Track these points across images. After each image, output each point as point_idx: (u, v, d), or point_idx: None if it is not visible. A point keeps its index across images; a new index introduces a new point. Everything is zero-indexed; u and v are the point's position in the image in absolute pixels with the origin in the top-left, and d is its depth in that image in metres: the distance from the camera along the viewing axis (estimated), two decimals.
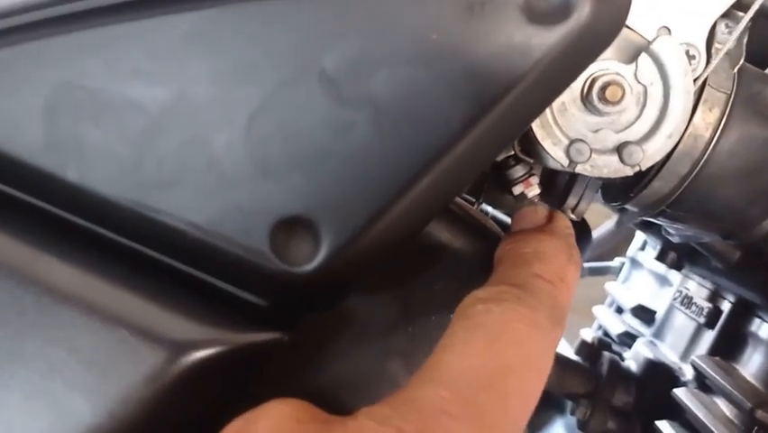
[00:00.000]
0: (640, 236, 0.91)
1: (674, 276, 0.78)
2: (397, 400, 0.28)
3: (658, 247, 0.73)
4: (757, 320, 0.60)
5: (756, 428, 0.51)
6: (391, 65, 0.31)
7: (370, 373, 0.39)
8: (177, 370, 0.32)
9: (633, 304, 0.84)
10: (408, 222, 0.34)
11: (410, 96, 0.32)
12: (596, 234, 1.22)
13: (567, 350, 0.84)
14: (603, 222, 1.27)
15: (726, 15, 0.42)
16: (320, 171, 0.32)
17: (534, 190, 0.42)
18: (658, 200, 0.46)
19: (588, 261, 1.18)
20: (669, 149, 0.40)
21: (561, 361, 0.71)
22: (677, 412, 0.59)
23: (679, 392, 0.59)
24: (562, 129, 0.39)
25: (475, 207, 0.57)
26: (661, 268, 0.81)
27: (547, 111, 0.39)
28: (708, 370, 0.58)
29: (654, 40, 0.39)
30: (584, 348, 0.76)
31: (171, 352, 0.32)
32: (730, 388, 0.54)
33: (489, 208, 0.65)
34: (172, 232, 0.33)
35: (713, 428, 0.53)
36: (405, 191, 0.32)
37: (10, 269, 0.33)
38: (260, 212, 0.32)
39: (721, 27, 0.43)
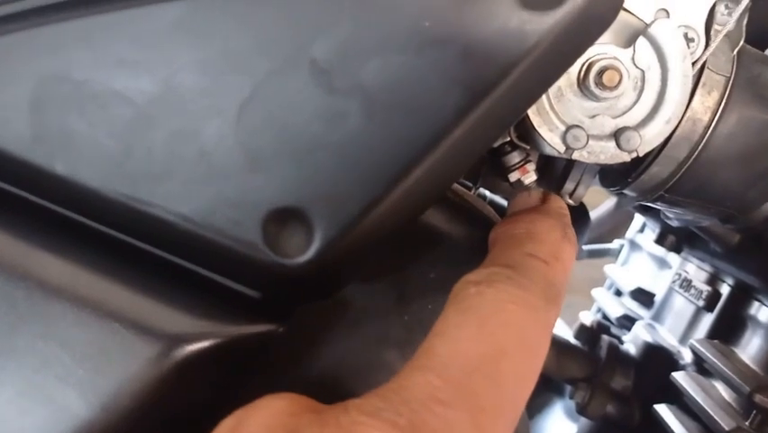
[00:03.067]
0: (639, 218, 0.91)
1: (673, 259, 0.78)
2: (388, 391, 0.27)
3: (657, 230, 0.72)
4: (756, 303, 0.59)
5: (755, 411, 0.51)
6: (383, 53, 0.31)
7: (366, 362, 0.38)
8: (170, 363, 0.32)
9: (632, 287, 0.83)
10: (403, 212, 0.34)
11: (402, 84, 0.31)
12: (594, 214, 1.22)
13: (566, 332, 0.84)
14: (601, 201, 1.26)
15: None
16: (312, 162, 0.32)
17: (530, 177, 0.42)
18: (656, 185, 0.46)
19: (587, 242, 1.17)
20: (667, 134, 0.40)
21: (559, 345, 0.71)
22: (675, 396, 0.59)
23: (677, 376, 0.59)
24: (559, 115, 0.39)
25: (472, 192, 0.57)
26: (660, 251, 0.81)
27: (543, 97, 0.38)
28: (707, 353, 0.58)
29: (652, 23, 0.38)
30: (583, 332, 0.76)
31: (164, 345, 0.32)
32: (729, 372, 0.54)
33: (488, 193, 0.65)
34: (163, 224, 0.33)
35: (711, 412, 0.53)
36: (398, 181, 0.32)
37: (0, 263, 0.33)
38: (252, 204, 0.32)
39: (720, 8, 0.42)
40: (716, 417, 0.52)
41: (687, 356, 0.64)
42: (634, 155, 0.39)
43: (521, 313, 0.30)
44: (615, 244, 1.06)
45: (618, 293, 0.90)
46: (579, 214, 0.63)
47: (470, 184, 0.53)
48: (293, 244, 0.32)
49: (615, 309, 0.84)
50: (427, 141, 0.32)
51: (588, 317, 0.83)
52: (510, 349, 0.29)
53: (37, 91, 0.32)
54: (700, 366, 0.61)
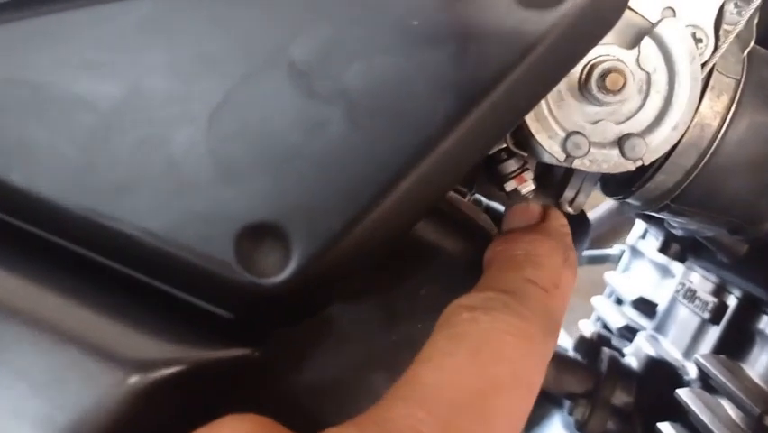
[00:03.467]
0: (641, 223, 0.88)
1: (677, 267, 0.75)
2: (367, 421, 0.25)
3: (660, 238, 0.70)
4: (765, 317, 0.57)
5: None
6: (367, 55, 0.28)
7: (351, 385, 0.36)
8: (134, 392, 0.29)
9: (633, 296, 0.81)
10: (389, 227, 0.31)
11: (389, 88, 0.29)
12: (594, 214, 1.19)
13: (566, 341, 0.81)
14: (601, 201, 1.24)
15: None
16: (289, 174, 0.29)
17: (528, 187, 0.39)
18: (662, 194, 0.43)
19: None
20: (674, 141, 0.37)
21: (558, 358, 0.69)
22: (680, 414, 0.56)
23: (682, 393, 0.56)
24: (559, 121, 0.36)
25: (467, 198, 0.54)
26: (663, 258, 0.78)
27: (542, 101, 0.36)
28: (713, 370, 0.55)
29: (658, 22, 0.36)
30: (583, 344, 0.74)
31: (127, 372, 0.29)
32: (737, 391, 0.52)
33: (485, 198, 0.63)
34: (128, 240, 0.30)
35: None
36: (384, 194, 0.30)
37: None
38: (224, 218, 0.29)
39: (730, 7, 0.40)
40: None
41: (692, 372, 0.61)
42: (638, 164, 0.37)
43: (517, 345, 0.28)
44: (615, 249, 1.03)
45: (619, 301, 0.88)
46: (578, 221, 0.61)
47: (465, 190, 0.51)
48: (269, 262, 0.30)
49: (616, 319, 0.82)
50: (416, 150, 0.29)
51: (587, 327, 0.80)
52: (503, 384, 0.27)
53: None
54: (706, 383, 0.58)
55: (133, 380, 0.29)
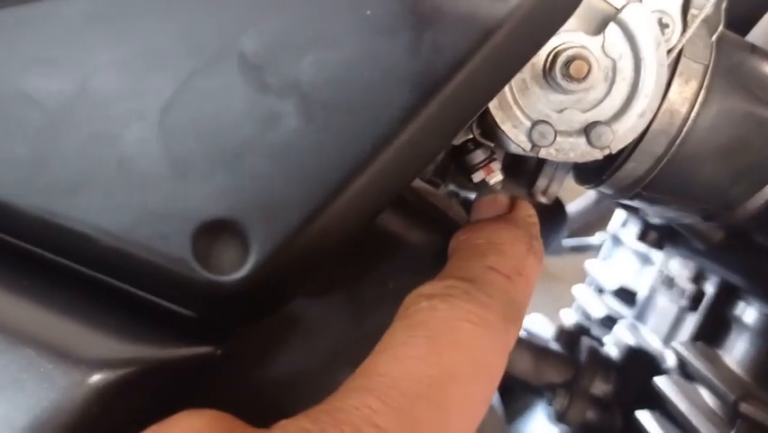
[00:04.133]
0: (620, 212, 0.88)
1: (656, 255, 0.75)
2: (320, 412, 0.25)
3: (638, 226, 0.70)
4: (742, 304, 0.57)
5: (740, 421, 0.49)
6: (320, 46, 0.28)
7: (318, 380, 0.36)
8: (91, 392, 0.28)
9: (614, 285, 0.81)
10: (349, 221, 0.30)
11: (343, 81, 0.28)
12: (576, 205, 1.19)
13: (548, 328, 0.81)
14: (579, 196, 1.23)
15: None
16: (244, 169, 0.28)
17: (495, 177, 0.39)
18: (633, 182, 0.43)
19: (568, 235, 1.14)
20: (641, 128, 0.37)
21: (537, 349, 0.69)
22: (658, 402, 0.56)
23: (659, 381, 0.56)
24: (524, 110, 0.36)
25: (440, 189, 0.54)
26: (643, 246, 0.78)
27: (506, 90, 0.35)
28: (690, 357, 0.55)
29: (623, 8, 0.35)
30: (563, 334, 0.73)
31: (84, 372, 0.28)
32: (713, 378, 0.52)
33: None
34: (83, 239, 0.30)
35: (695, 420, 0.51)
36: (342, 188, 0.29)
37: None
38: (180, 216, 0.29)
39: None
40: (699, 426, 0.50)
41: (670, 359, 0.61)
42: (606, 152, 0.36)
43: (476, 333, 0.27)
44: (596, 238, 1.03)
45: (600, 291, 0.88)
46: (555, 210, 0.60)
47: (439, 181, 0.50)
48: (227, 259, 0.29)
49: (596, 309, 0.82)
50: (373, 143, 0.29)
51: (569, 317, 0.80)
52: (461, 373, 0.26)
53: None
54: (684, 370, 0.58)
55: (92, 379, 0.28)
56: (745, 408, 0.48)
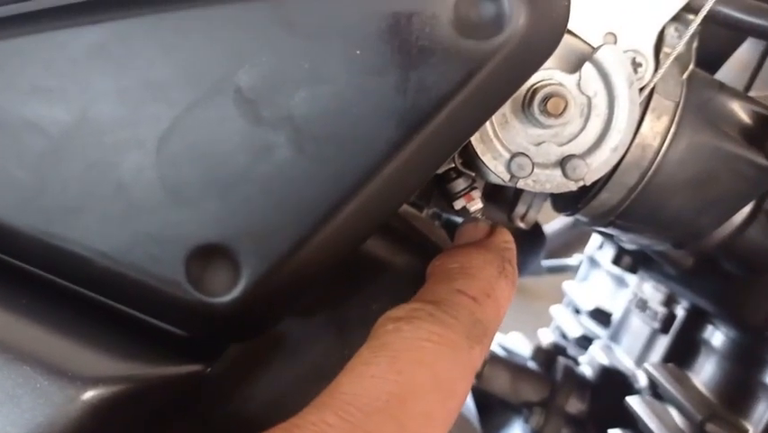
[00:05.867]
0: (597, 235, 0.90)
1: (631, 278, 0.77)
2: (278, 429, 0.26)
3: (613, 251, 0.72)
4: (710, 327, 0.59)
5: None
6: (311, 83, 0.29)
7: (302, 399, 0.37)
8: (84, 408, 0.30)
9: (590, 306, 0.83)
10: (336, 247, 0.32)
11: (333, 115, 0.29)
12: (554, 225, 1.21)
13: (526, 346, 0.83)
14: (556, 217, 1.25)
15: (675, 19, 0.41)
16: (237, 197, 0.30)
17: (476, 204, 0.41)
18: (606, 211, 0.45)
19: (546, 256, 1.16)
20: (614, 162, 0.39)
21: (514, 368, 0.70)
22: (631, 421, 0.58)
23: (631, 401, 0.58)
24: (503, 142, 0.37)
25: (424, 212, 0.55)
26: (617, 269, 0.80)
27: (487, 124, 0.37)
28: (660, 378, 0.57)
29: (599, 48, 0.37)
30: (539, 354, 0.75)
31: (78, 389, 0.30)
32: (681, 399, 0.53)
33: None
34: (79, 260, 0.31)
35: None
36: (330, 216, 0.30)
37: None
38: (174, 240, 0.30)
39: (670, 31, 0.41)
40: None
41: (642, 380, 0.63)
42: (580, 184, 0.38)
43: (437, 351, 0.29)
44: (574, 259, 1.05)
45: (577, 311, 0.89)
46: (533, 234, 0.62)
47: (423, 204, 0.52)
48: (218, 282, 0.31)
49: (573, 329, 0.83)
50: (360, 174, 0.30)
51: (546, 336, 0.82)
52: (420, 389, 0.27)
53: None
54: (655, 391, 0.60)
55: (86, 396, 0.29)
56: (711, 428, 0.50)
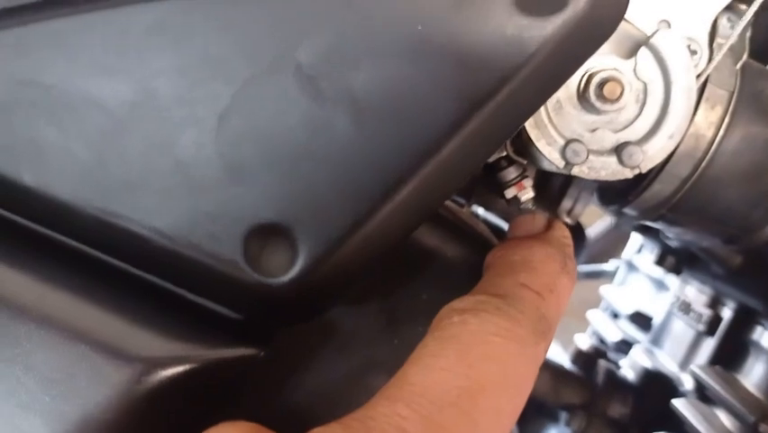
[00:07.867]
0: (636, 239, 0.89)
1: (672, 281, 0.76)
2: (352, 420, 0.26)
3: (656, 251, 0.71)
4: (759, 328, 0.58)
5: None
6: (373, 59, 0.29)
7: (351, 389, 0.36)
8: (141, 389, 0.29)
9: (629, 310, 0.81)
10: (394, 229, 0.31)
11: (394, 92, 0.29)
12: (589, 232, 1.19)
13: (562, 356, 0.81)
14: (594, 221, 1.24)
15: (728, 9, 0.40)
16: (296, 175, 0.30)
17: (527, 194, 0.40)
18: (658, 204, 0.44)
19: (581, 263, 1.15)
20: (671, 149, 0.38)
21: (555, 370, 0.69)
22: (676, 425, 0.57)
23: (678, 403, 0.57)
24: (558, 128, 0.37)
25: (464, 209, 0.55)
26: (658, 272, 0.79)
27: (542, 109, 0.37)
28: (709, 380, 0.56)
29: (654, 33, 0.37)
30: (579, 357, 0.74)
31: (135, 369, 0.29)
32: (732, 400, 0.52)
33: (481, 211, 0.63)
34: (137, 239, 0.31)
35: None
36: (389, 196, 0.30)
37: None
38: (232, 219, 0.30)
39: (723, 21, 0.41)
40: None
41: (687, 383, 0.62)
42: (636, 171, 0.38)
43: (506, 346, 0.28)
44: (611, 265, 1.04)
45: (615, 315, 0.88)
46: (575, 234, 0.61)
47: (463, 201, 0.52)
48: (276, 262, 0.30)
49: (612, 333, 0.82)
50: (420, 153, 0.30)
51: (583, 341, 0.81)
52: (489, 384, 0.27)
53: (4, 96, 0.30)
54: (702, 393, 0.59)
55: (142, 377, 0.29)
56: (765, 429, 0.48)
